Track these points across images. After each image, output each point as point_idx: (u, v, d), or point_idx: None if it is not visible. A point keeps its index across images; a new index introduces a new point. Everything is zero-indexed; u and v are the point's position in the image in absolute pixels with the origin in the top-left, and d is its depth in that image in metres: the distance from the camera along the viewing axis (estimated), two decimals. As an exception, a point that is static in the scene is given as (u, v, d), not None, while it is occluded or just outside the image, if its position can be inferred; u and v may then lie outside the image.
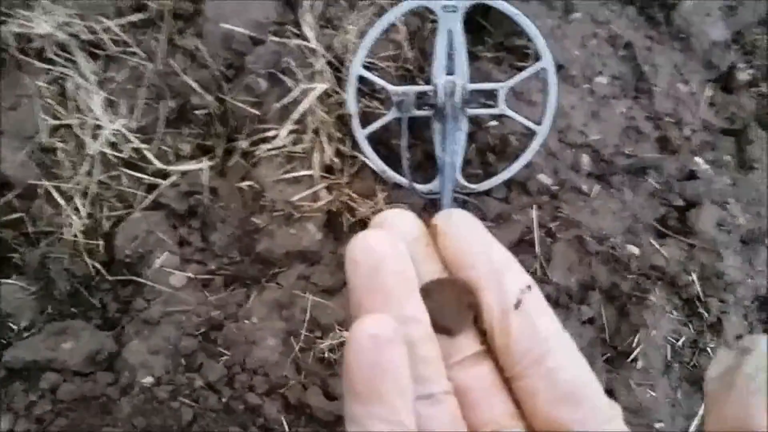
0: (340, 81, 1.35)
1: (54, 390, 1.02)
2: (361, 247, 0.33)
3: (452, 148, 1.23)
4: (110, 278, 1.12)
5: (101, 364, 1.05)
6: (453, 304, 0.35)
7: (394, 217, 0.37)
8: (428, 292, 0.36)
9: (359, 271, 0.33)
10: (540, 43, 1.30)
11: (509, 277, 0.36)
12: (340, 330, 1.13)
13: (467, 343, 0.36)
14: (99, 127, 1.16)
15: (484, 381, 0.35)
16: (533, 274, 1.23)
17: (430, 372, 0.33)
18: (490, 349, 0.35)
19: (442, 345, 0.35)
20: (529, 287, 0.35)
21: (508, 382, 0.35)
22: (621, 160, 1.45)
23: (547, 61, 1.30)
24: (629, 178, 1.44)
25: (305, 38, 1.32)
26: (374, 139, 1.31)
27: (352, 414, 0.31)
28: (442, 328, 0.35)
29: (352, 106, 1.30)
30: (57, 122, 1.17)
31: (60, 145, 1.15)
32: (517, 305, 0.34)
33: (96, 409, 1.02)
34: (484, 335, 0.36)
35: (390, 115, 1.29)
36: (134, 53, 1.25)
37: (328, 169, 1.28)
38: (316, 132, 1.28)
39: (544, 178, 1.33)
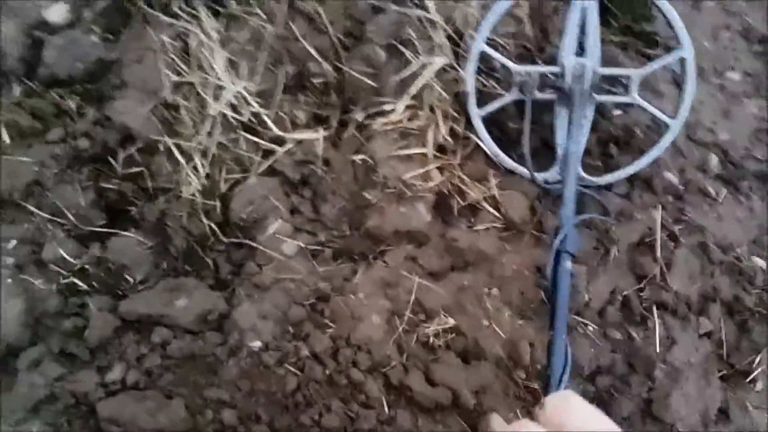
0: (458, 56, 1.30)
1: (165, 345, 1.04)
2: None
3: (577, 136, 1.16)
4: (225, 240, 1.12)
5: (211, 323, 1.06)
6: None
7: None
8: None
9: None
10: (680, 29, 1.21)
11: None
12: (445, 316, 1.10)
13: None
14: (221, 87, 1.16)
15: None
16: (653, 279, 1.16)
17: None
18: None
19: None
20: None
21: None
22: (751, 164, 1.35)
23: (686, 50, 1.20)
24: (758, 184, 1.34)
25: (425, 8, 1.27)
26: (489, 121, 1.26)
27: None
28: None
29: (470, 84, 1.25)
30: (180, 79, 1.17)
31: (183, 102, 1.15)
32: None
33: (203, 368, 1.03)
34: None
35: (510, 96, 1.24)
36: (255, 14, 1.23)
37: (441, 149, 1.24)
38: (431, 109, 1.24)
39: (671, 177, 1.25)
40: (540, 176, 1.20)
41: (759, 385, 1.15)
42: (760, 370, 1.15)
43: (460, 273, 1.16)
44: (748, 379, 1.15)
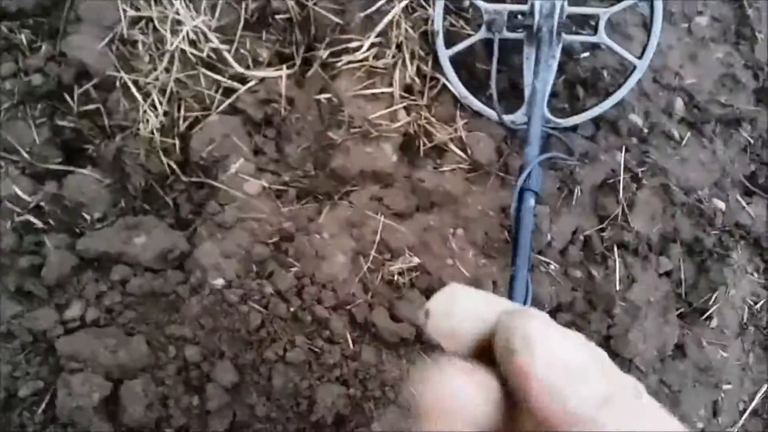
0: (425, -7, 1.27)
1: (124, 283, 1.02)
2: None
3: (544, 75, 1.16)
4: (185, 179, 1.10)
5: (172, 262, 1.04)
6: None
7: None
8: None
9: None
10: (650, -30, 1.19)
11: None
12: (410, 255, 1.10)
13: None
14: (179, 22, 1.12)
15: None
16: (614, 219, 1.17)
17: None
18: None
19: None
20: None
21: None
22: (715, 108, 1.36)
23: (655, -10, 1.19)
24: (722, 128, 1.35)
25: (393, -55, 1.24)
26: (457, 62, 1.24)
27: None
28: None
29: (438, 22, 1.22)
30: (137, 14, 1.13)
31: (140, 37, 1.11)
32: None
33: (165, 306, 1.03)
34: None
35: (478, 35, 1.22)
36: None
37: (408, 89, 1.22)
38: (398, 47, 1.21)
39: (636, 119, 1.25)
40: (507, 118, 1.19)
41: (714, 322, 1.18)
42: (715, 307, 1.18)
43: (425, 213, 1.16)
44: (704, 317, 1.18)
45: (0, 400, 0.96)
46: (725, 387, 1.16)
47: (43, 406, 0.97)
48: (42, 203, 1.03)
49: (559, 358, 0.26)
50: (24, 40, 1.13)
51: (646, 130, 1.26)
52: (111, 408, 0.99)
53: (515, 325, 0.27)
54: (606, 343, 1.12)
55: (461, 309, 0.30)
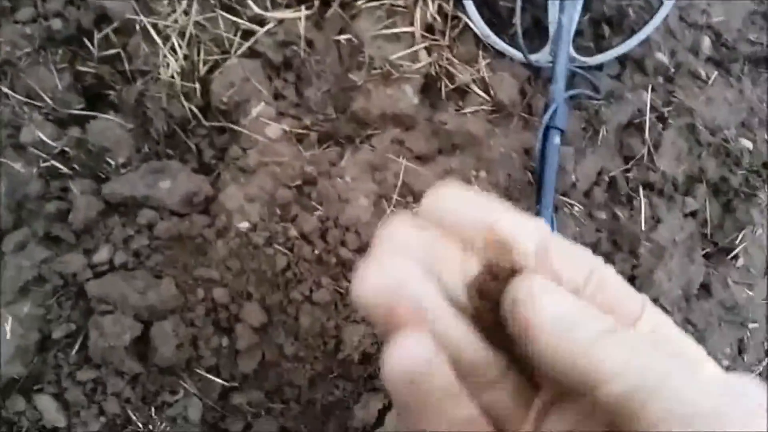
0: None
1: (151, 227, 1.03)
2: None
3: (570, 11, 1.13)
4: (206, 124, 1.10)
5: (197, 206, 1.05)
6: None
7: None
8: (479, 284, 0.29)
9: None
10: None
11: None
12: (433, 197, 1.10)
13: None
14: (196, -37, 1.10)
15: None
16: (640, 160, 1.16)
17: None
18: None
19: None
20: None
21: None
22: (743, 47, 1.32)
23: None
24: (750, 67, 1.32)
25: None
26: (479, 0, 1.21)
27: None
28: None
29: (459, -40, 1.19)
30: (153, -45, 1.11)
31: (157, -21, 1.10)
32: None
33: (192, 249, 1.03)
34: None
35: (501, -27, 1.19)
36: None
37: (429, 29, 1.19)
38: (419, -14, 1.19)
39: (662, 58, 1.22)
40: (532, 57, 1.17)
41: (740, 262, 1.17)
42: (741, 247, 1.17)
43: (447, 156, 1.15)
44: (730, 256, 1.17)
45: (36, 342, 0.98)
46: (751, 325, 1.16)
47: (76, 347, 0.99)
48: (66, 149, 1.03)
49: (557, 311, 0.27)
50: (41, -15, 1.11)
51: (672, 69, 1.24)
52: (142, 348, 1.01)
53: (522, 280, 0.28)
54: (631, 283, 1.12)
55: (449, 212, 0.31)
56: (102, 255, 1.01)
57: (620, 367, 0.24)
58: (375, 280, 0.28)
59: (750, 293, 1.17)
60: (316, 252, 1.03)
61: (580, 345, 0.25)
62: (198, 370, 1.02)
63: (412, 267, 0.29)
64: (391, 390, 0.27)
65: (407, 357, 0.27)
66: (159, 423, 0.99)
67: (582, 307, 0.27)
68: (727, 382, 0.24)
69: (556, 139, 1.03)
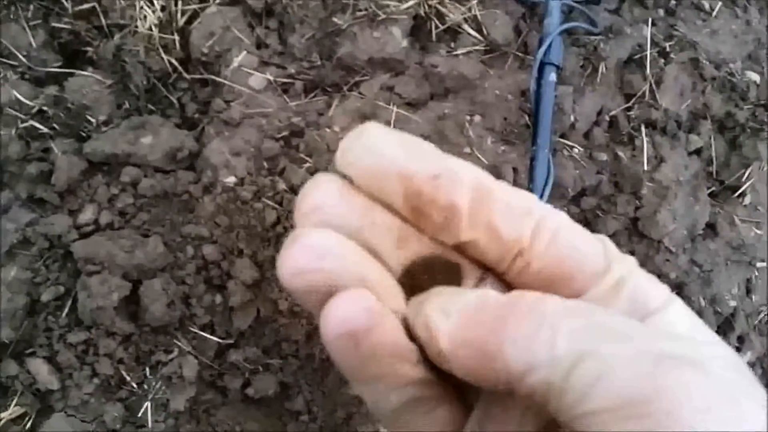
0: None
1: (135, 184, 1.00)
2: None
3: (564, -58, 1.07)
4: (188, 77, 1.06)
5: (182, 162, 1.02)
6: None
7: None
8: (413, 273, 0.26)
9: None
10: None
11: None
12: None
13: None
14: None
15: None
16: (641, 97, 1.11)
17: None
18: None
19: None
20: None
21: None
22: (750, -24, 1.26)
23: None
24: (757, -3, 1.25)
25: None
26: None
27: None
28: None
29: None
30: None
31: (128, -73, 1.05)
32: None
33: (178, 206, 1.01)
34: None
35: None
36: None
37: (417, -32, 1.14)
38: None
39: (663, -12, 1.16)
40: (525, -7, 1.12)
41: (747, 199, 1.13)
42: (748, 184, 1.12)
43: (439, 101, 1.11)
44: (736, 194, 1.13)
45: (24, 305, 0.97)
46: (759, 264, 1.12)
47: (66, 309, 0.97)
48: (45, 108, 1.00)
49: None
50: (8, -61, 1.07)
51: (673, 1, 1.18)
52: (133, 309, 0.99)
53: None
54: (633, 225, 1.08)
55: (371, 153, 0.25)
56: (87, 215, 0.99)
57: (524, 365, 0.21)
58: (303, 263, 0.24)
59: (758, 231, 1.13)
60: (307, 204, 1.00)
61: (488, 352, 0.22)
62: (192, 329, 1.00)
63: (347, 244, 0.25)
64: (332, 354, 0.24)
65: (344, 311, 0.23)
66: (154, 383, 0.98)
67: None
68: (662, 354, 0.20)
69: (552, 75, 0.98)
